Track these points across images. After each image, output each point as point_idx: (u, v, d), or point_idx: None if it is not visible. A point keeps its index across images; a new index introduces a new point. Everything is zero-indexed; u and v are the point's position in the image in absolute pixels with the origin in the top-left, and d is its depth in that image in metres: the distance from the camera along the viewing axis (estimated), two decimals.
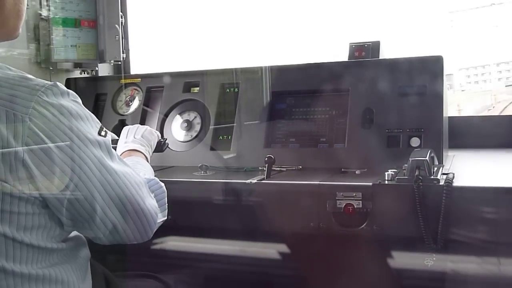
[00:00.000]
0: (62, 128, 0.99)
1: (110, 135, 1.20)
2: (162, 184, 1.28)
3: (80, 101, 1.08)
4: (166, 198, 1.27)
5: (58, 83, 1.03)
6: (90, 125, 1.06)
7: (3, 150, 0.94)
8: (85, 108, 1.08)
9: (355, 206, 1.42)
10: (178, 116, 2.11)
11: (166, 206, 1.27)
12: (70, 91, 1.06)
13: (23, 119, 0.95)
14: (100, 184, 1.04)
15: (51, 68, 2.32)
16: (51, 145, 0.97)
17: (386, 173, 1.45)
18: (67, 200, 1.01)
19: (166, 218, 1.26)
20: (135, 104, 2.23)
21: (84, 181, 1.02)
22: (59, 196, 1.00)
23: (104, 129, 1.11)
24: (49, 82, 1.02)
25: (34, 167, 0.96)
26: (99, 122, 1.12)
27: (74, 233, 1.14)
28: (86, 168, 1.02)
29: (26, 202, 0.97)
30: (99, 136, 1.07)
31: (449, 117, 1.93)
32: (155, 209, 1.17)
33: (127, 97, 2.26)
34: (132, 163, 1.31)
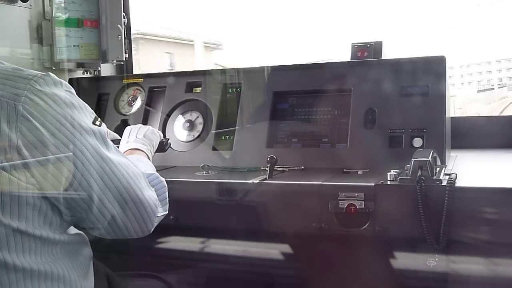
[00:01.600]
0: (56, 116, 0.99)
1: (105, 126, 1.20)
2: (163, 179, 1.27)
3: (74, 91, 1.07)
4: (167, 192, 1.27)
5: (50, 73, 1.03)
6: (84, 114, 1.06)
7: None
8: (79, 98, 1.08)
9: (357, 207, 1.42)
10: (180, 116, 2.11)
11: (167, 201, 1.26)
12: (63, 81, 1.05)
13: (16, 107, 0.95)
14: (96, 172, 1.03)
15: (53, 68, 2.32)
16: (45, 133, 0.97)
17: (389, 174, 1.45)
18: (64, 188, 1.00)
19: (166, 212, 1.25)
20: (138, 104, 2.23)
21: (79, 169, 1.01)
22: (55, 184, 1.00)
23: (99, 119, 1.11)
24: (42, 72, 1.02)
25: (29, 155, 0.96)
26: (94, 113, 1.11)
27: (76, 230, 1.14)
28: (81, 156, 1.01)
29: (25, 192, 0.97)
30: (94, 126, 1.06)
31: (451, 117, 1.92)
32: (155, 201, 1.16)
33: (129, 97, 2.26)
34: (134, 160, 1.31)
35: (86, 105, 1.09)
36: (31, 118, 0.96)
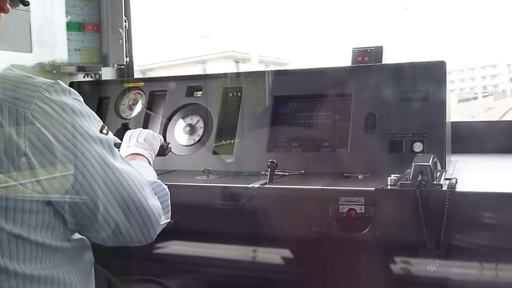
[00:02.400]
0: (64, 124, 1.00)
1: (112, 134, 1.21)
2: (165, 187, 1.28)
3: (82, 100, 1.08)
4: (169, 200, 1.27)
5: (60, 81, 1.04)
6: (91, 122, 1.07)
7: (5, 145, 0.95)
8: (87, 106, 1.09)
9: (358, 211, 1.42)
10: (181, 120, 2.11)
11: (170, 209, 1.27)
12: (72, 89, 1.06)
13: (25, 115, 0.96)
14: (102, 181, 1.04)
15: (54, 71, 2.33)
16: (53, 140, 0.98)
17: (389, 178, 1.45)
18: (69, 196, 1.01)
19: (169, 220, 1.26)
20: (138, 108, 2.23)
21: (86, 178, 1.02)
22: (61, 192, 1.00)
23: (106, 127, 1.12)
24: (51, 80, 1.03)
25: (36, 162, 0.96)
26: (101, 121, 1.12)
27: (78, 235, 1.14)
28: (88, 164, 1.02)
29: (30, 199, 0.98)
30: (101, 134, 1.07)
31: (452, 122, 1.92)
32: (158, 209, 1.17)
33: (130, 101, 2.26)
34: (135, 166, 1.31)
35: (94, 113, 1.10)
36: (39, 126, 0.97)
